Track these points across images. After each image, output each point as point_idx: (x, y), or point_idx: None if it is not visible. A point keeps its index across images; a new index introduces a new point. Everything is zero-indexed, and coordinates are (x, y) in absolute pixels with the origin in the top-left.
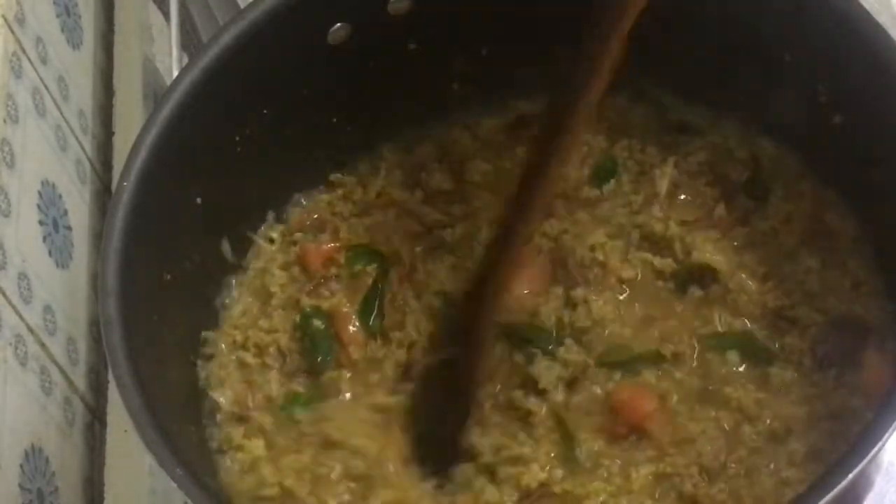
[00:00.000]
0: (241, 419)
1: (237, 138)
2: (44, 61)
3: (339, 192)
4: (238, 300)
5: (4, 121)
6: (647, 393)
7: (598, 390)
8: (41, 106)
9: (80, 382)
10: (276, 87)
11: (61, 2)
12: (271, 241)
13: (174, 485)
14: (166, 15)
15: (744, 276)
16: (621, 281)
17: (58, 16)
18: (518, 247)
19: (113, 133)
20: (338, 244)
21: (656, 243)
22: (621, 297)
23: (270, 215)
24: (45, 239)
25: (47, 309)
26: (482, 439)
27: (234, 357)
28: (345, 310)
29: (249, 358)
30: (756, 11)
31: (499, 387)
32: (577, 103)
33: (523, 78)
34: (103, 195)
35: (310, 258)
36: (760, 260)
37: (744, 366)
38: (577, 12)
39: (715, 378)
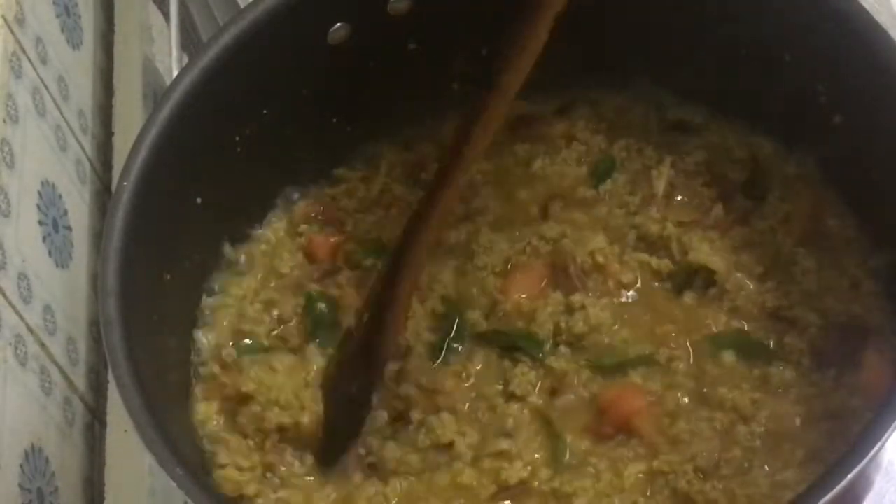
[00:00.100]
0: None
1: (237, 138)
2: (44, 61)
3: (343, 186)
4: (237, 288)
5: (4, 121)
6: (634, 392)
7: (585, 392)
8: (41, 106)
9: (80, 382)
10: (276, 87)
11: (61, 2)
12: (275, 232)
13: (174, 485)
14: (166, 15)
15: (741, 276)
16: (620, 285)
17: (58, 16)
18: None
19: (113, 133)
20: (343, 237)
21: (653, 244)
22: (619, 301)
23: (272, 211)
24: (45, 239)
25: (47, 309)
26: (464, 439)
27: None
28: (351, 303)
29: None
30: (756, 11)
31: (480, 392)
32: (476, 129)
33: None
34: (103, 195)
35: (316, 249)
36: (758, 260)
37: (741, 366)
38: (577, 12)
39: (710, 378)
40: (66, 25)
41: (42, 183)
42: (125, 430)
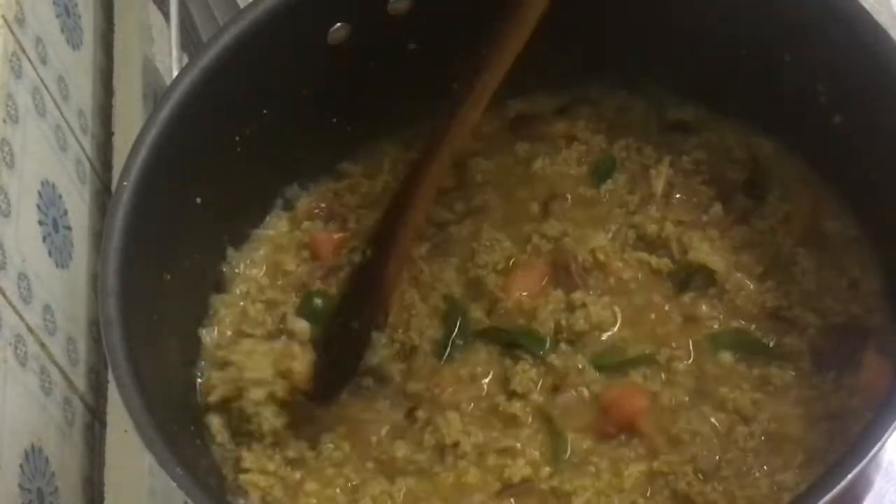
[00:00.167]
0: None
1: (237, 138)
2: (44, 61)
3: (346, 182)
4: (242, 282)
5: (4, 121)
6: (637, 391)
7: (587, 391)
8: (41, 106)
9: (80, 382)
10: (276, 87)
11: (61, 2)
12: (278, 230)
13: (174, 485)
14: (166, 15)
15: (741, 275)
16: (621, 283)
17: (58, 16)
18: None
19: (113, 133)
20: (347, 234)
21: (652, 243)
22: (620, 300)
23: (274, 210)
24: (45, 239)
25: (47, 309)
26: (469, 438)
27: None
28: None
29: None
30: (756, 11)
31: (484, 391)
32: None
33: (522, 78)
34: (103, 195)
35: (319, 246)
36: (758, 260)
37: (741, 366)
38: (577, 12)
39: (711, 378)
40: (66, 25)
41: (42, 183)
42: (125, 430)
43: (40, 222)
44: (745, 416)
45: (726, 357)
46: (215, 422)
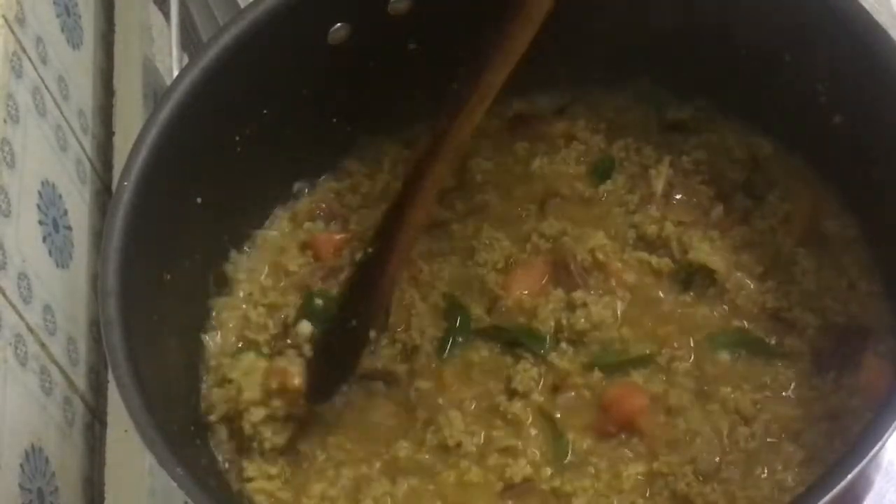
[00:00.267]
0: None
1: (237, 138)
2: (44, 61)
3: (348, 181)
4: (244, 283)
5: (4, 121)
6: (637, 391)
7: (587, 390)
8: (41, 106)
9: (80, 382)
10: (276, 87)
11: (61, 2)
12: (279, 230)
13: (174, 485)
14: (166, 15)
15: (741, 275)
16: (621, 283)
17: (58, 16)
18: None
19: (113, 133)
20: (348, 235)
21: (652, 243)
22: (620, 299)
23: (274, 210)
24: (45, 239)
25: (47, 309)
26: (471, 438)
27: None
28: None
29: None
30: (756, 11)
31: (485, 390)
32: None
33: (521, 77)
34: (103, 195)
35: (320, 246)
36: (758, 260)
37: (741, 366)
38: (577, 12)
39: (711, 378)
40: (66, 25)
41: (42, 183)
42: (125, 430)
43: (40, 222)
44: (746, 416)
45: (727, 357)
46: (218, 435)
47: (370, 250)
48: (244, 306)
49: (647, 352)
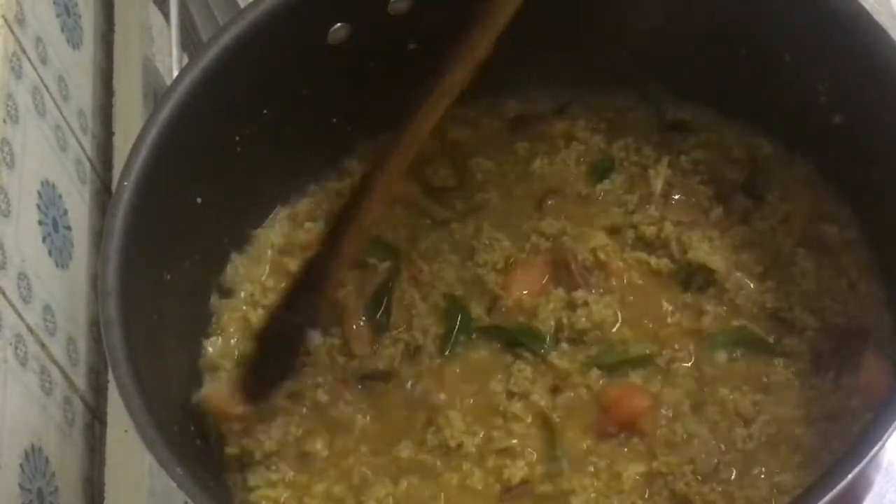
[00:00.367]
0: None
1: (237, 138)
2: (44, 61)
3: (347, 182)
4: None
5: (4, 121)
6: (637, 391)
7: (587, 391)
8: (41, 106)
9: (80, 382)
10: (276, 87)
11: (61, 2)
12: (280, 230)
13: (174, 485)
14: (166, 15)
15: (741, 275)
16: (621, 282)
17: (58, 16)
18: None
19: (113, 133)
20: None
21: (651, 243)
22: (621, 299)
23: (274, 210)
24: (45, 239)
25: (47, 309)
26: (473, 439)
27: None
28: (352, 305)
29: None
30: (756, 11)
31: (485, 390)
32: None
33: (521, 78)
34: (103, 195)
35: None
36: (758, 260)
37: (741, 367)
38: (577, 12)
39: (711, 379)
40: (66, 25)
41: (42, 183)
42: (125, 430)
43: (40, 222)
44: (745, 417)
45: (727, 357)
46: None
47: (318, 249)
48: (244, 307)
49: (647, 352)
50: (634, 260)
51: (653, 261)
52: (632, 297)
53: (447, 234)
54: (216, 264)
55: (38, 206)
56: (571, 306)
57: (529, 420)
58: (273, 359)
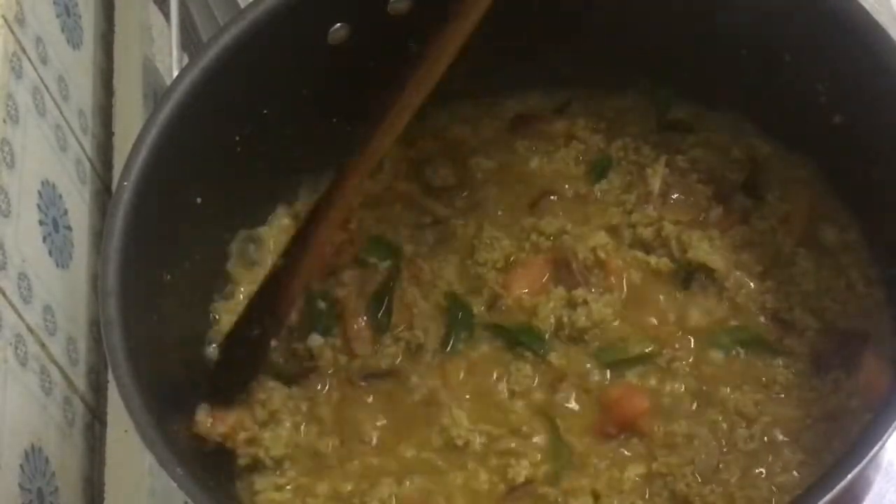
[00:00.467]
0: None
1: (237, 138)
2: (44, 61)
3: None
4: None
5: (4, 121)
6: (638, 391)
7: (588, 391)
8: (41, 106)
9: (80, 382)
10: (276, 87)
11: (61, 2)
12: (280, 230)
13: (174, 485)
14: (166, 15)
15: (741, 274)
16: (621, 281)
17: (58, 16)
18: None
19: (113, 133)
20: (349, 235)
21: (650, 243)
22: (621, 298)
23: (274, 211)
24: (45, 239)
25: (47, 309)
26: (477, 438)
27: None
28: (353, 305)
29: None
30: (756, 11)
31: (486, 389)
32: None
33: (521, 77)
34: (103, 195)
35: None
36: (758, 259)
37: (740, 367)
38: (577, 12)
39: (711, 379)
40: (66, 25)
41: (42, 183)
42: (125, 430)
43: (40, 222)
44: (747, 417)
45: (726, 356)
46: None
47: (280, 261)
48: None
49: (647, 350)
50: (634, 259)
51: (652, 260)
52: (633, 297)
53: (448, 233)
54: (216, 264)
55: (39, 206)
56: (571, 305)
57: (531, 420)
58: (236, 366)
